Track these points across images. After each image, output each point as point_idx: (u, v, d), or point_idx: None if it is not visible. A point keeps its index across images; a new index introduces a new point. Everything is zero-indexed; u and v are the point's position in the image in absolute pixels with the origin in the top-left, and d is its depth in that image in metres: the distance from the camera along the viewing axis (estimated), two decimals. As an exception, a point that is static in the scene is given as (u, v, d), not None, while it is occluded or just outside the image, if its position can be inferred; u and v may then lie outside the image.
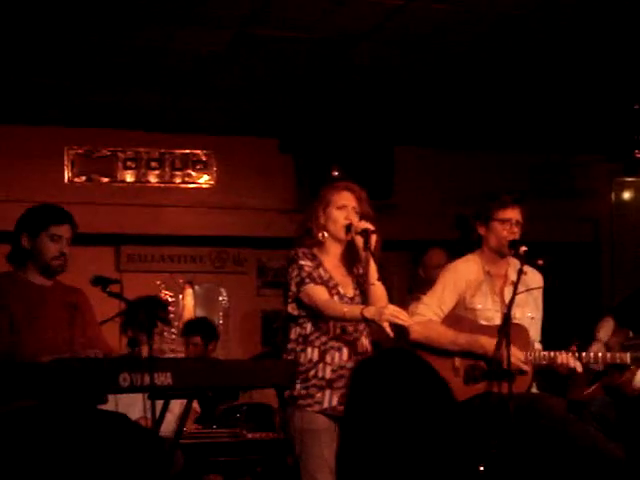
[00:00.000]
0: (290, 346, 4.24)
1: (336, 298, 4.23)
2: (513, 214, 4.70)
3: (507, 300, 4.55)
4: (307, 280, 4.17)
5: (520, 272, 4.43)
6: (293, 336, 4.24)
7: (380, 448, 2.13)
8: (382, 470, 2.13)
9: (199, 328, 7.02)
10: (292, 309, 4.25)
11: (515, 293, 4.36)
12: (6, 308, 4.21)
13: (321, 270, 4.24)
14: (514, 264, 4.72)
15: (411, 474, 2.12)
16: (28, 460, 3.87)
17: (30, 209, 4.41)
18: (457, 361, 4.61)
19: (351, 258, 4.35)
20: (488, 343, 4.46)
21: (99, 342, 4.40)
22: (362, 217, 4.29)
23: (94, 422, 4.04)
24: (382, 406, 2.15)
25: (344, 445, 2.26)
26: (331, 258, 4.31)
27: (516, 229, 4.68)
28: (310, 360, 4.16)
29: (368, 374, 2.24)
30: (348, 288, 4.30)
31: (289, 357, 4.21)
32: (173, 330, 7.92)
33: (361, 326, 4.22)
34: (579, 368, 4.51)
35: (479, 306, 4.70)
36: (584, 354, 4.60)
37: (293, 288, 4.21)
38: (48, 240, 4.28)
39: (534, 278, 4.76)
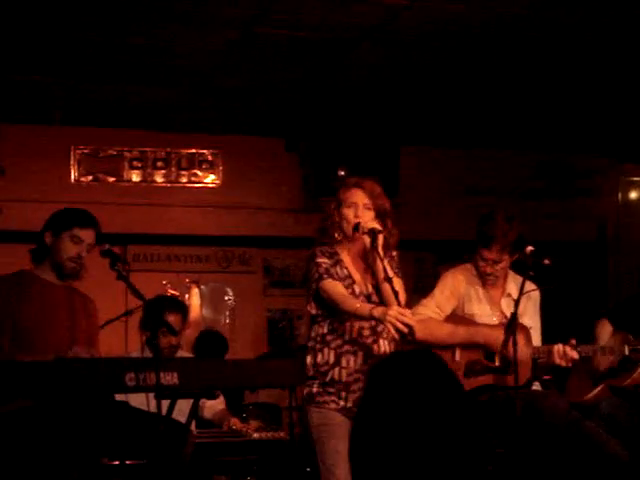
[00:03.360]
0: (310, 344, 4.28)
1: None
2: (493, 256, 4.66)
3: (505, 311, 4.66)
4: (325, 276, 4.19)
5: (524, 280, 4.44)
6: (313, 334, 4.28)
7: (393, 444, 2.14)
8: (395, 465, 2.14)
9: (213, 354, 6.95)
10: (311, 308, 4.27)
11: (521, 292, 4.39)
12: (10, 315, 4.22)
13: (339, 267, 4.26)
14: (512, 277, 4.78)
15: (423, 469, 2.13)
16: (29, 460, 3.88)
17: (61, 210, 4.47)
18: (458, 355, 4.65)
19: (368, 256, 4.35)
20: (489, 332, 4.58)
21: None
22: (377, 212, 4.28)
23: (96, 412, 4.04)
24: (396, 404, 2.16)
25: (358, 440, 2.26)
26: (351, 255, 4.33)
27: (497, 267, 4.68)
28: (327, 362, 4.19)
29: (384, 374, 2.24)
30: (366, 286, 4.30)
31: (308, 355, 4.24)
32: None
33: (379, 328, 4.20)
34: (576, 355, 4.53)
35: (477, 311, 4.75)
36: (581, 347, 4.61)
37: (313, 286, 4.23)
38: (68, 240, 4.33)
39: (533, 292, 4.77)
